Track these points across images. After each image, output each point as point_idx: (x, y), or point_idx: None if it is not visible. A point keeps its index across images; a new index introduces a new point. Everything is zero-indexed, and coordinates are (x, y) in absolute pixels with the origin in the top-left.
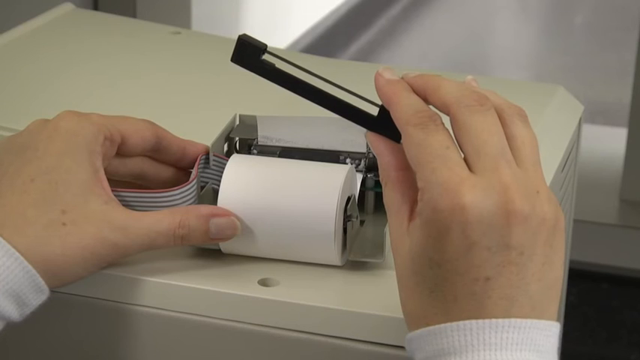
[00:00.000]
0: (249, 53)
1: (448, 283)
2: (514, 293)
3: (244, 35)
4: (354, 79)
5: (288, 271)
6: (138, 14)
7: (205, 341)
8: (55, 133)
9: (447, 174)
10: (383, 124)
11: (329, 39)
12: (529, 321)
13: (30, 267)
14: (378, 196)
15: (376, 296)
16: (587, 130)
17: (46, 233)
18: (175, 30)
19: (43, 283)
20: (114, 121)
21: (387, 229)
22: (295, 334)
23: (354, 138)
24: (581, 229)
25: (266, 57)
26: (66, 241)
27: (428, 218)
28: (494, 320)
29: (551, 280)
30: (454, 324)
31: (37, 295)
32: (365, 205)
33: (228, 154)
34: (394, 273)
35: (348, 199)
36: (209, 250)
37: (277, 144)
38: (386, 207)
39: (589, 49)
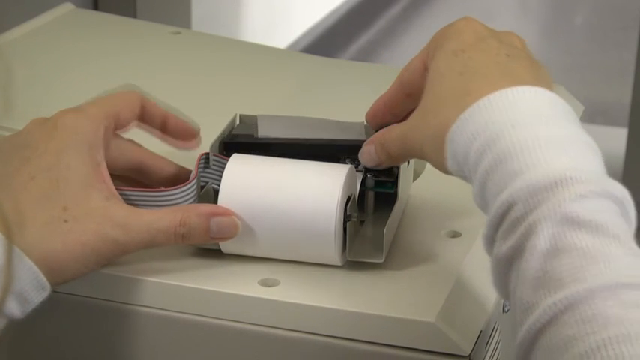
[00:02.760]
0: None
1: (475, 60)
2: (535, 72)
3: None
4: (354, 79)
5: (289, 271)
6: (138, 14)
7: (205, 341)
8: (54, 131)
9: None
10: None
11: (329, 39)
12: (548, 91)
13: (32, 264)
14: (378, 196)
15: (376, 296)
16: (587, 130)
17: (48, 230)
18: (175, 30)
19: (45, 280)
20: (107, 106)
21: (386, 230)
22: (295, 334)
23: (354, 138)
24: None
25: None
26: (67, 238)
27: (438, 34)
28: (529, 87)
29: None
30: (496, 92)
31: (38, 292)
32: (364, 205)
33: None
34: (394, 273)
35: (348, 198)
36: (209, 250)
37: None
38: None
39: (589, 49)
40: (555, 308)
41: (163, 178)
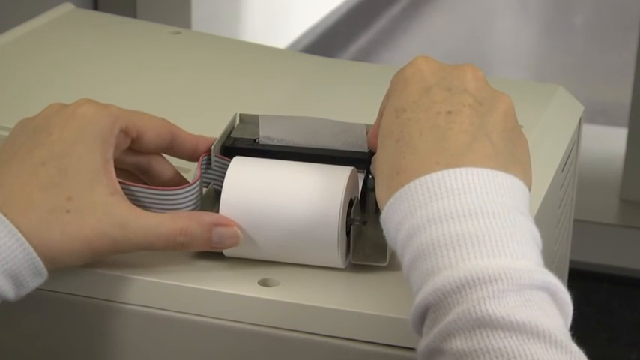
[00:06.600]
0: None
1: (413, 122)
2: (475, 131)
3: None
4: (354, 79)
5: (289, 272)
6: (138, 14)
7: (206, 341)
8: (71, 119)
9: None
10: None
11: (329, 39)
12: (488, 171)
13: (31, 249)
14: None
15: (376, 296)
16: (587, 130)
17: (49, 218)
18: (175, 30)
19: (42, 266)
20: (131, 116)
21: None
22: (295, 334)
23: (355, 139)
24: (581, 229)
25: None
26: (66, 229)
27: (392, 81)
28: (452, 170)
29: (518, 142)
30: (417, 180)
31: (34, 278)
32: (366, 206)
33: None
34: (394, 273)
35: (351, 202)
36: (209, 252)
37: (279, 144)
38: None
39: (589, 49)
40: None
41: (165, 181)
